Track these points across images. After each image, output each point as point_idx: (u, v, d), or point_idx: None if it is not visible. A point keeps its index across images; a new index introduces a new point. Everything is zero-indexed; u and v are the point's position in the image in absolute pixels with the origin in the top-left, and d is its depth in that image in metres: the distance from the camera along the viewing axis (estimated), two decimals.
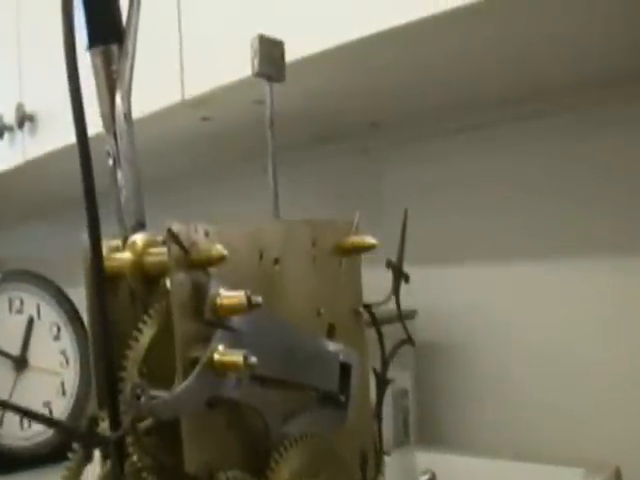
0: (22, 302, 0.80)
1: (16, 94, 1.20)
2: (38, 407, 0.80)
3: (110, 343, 0.40)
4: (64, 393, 0.82)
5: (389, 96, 0.96)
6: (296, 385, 0.48)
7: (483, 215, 1.02)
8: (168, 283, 0.43)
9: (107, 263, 0.44)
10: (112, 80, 0.46)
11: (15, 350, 0.80)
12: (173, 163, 1.28)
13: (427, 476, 0.95)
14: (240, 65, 0.82)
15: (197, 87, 0.89)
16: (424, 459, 0.97)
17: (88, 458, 0.44)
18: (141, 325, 0.43)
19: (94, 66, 0.47)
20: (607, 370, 0.89)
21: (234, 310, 0.42)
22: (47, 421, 0.38)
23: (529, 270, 0.97)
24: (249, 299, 0.41)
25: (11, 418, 0.78)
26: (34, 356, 0.81)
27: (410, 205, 1.09)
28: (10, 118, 1.20)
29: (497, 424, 0.99)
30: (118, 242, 0.48)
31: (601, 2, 0.67)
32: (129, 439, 0.41)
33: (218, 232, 0.43)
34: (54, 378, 0.81)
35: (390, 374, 0.54)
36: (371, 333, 0.55)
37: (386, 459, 0.55)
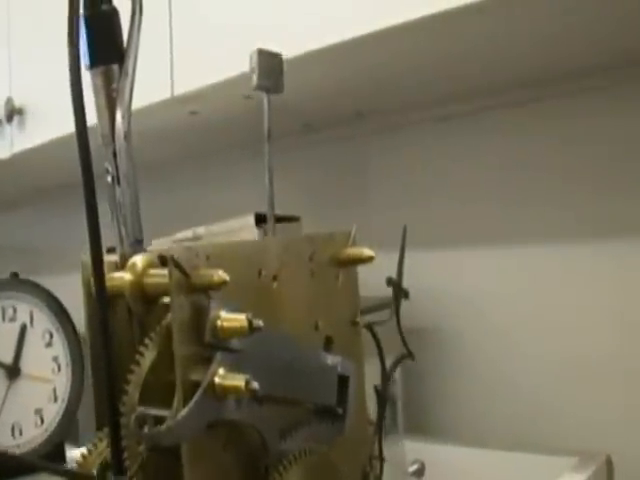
0: (15, 310, 0.79)
1: (5, 88, 1.19)
2: (30, 415, 0.80)
3: (113, 371, 0.40)
4: (55, 399, 0.82)
5: (376, 88, 0.96)
6: (295, 401, 0.48)
7: (468, 201, 1.02)
8: (167, 300, 0.43)
9: (107, 283, 0.44)
10: (112, 99, 0.46)
11: (7, 359, 0.79)
12: (161, 151, 1.27)
13: (416, 466, 0.95)
14: (230, 63, 0.83)
15: (186, 84, 0.89)
16: (413, 448, 0.97)
17: None
18: (142, 349, 0.43)
19: (94, 86, 0.46)
20: (597, 359, 0.89)
21: (235, 333, 0.42)
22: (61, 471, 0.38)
23: (518, 256, 0.97)
24: (250, 322, 0.41)
25: (2, 425, 0.78)
26: (26, 364, 0.80)
27: (395, 191, 1.09)
28: None
29: (487, 413, 1.00)
30: (115, 258, 0.48)
31: None
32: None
33: (219, 255, 0.43)
34: (46, 385, 0.81)
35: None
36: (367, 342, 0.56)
37: None
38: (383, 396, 0.52)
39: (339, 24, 0.74)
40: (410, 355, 0.52)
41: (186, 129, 1.12)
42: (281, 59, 0.53)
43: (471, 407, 1.02)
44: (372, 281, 0.57)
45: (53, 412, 0.82)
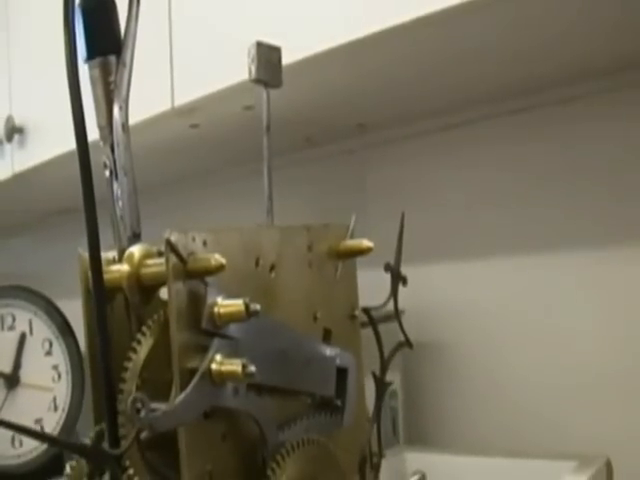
0: (14, 318, 0.79)
1: (6, 107, 1.20)
2: (30, 424, 0.79)
3: (110, 358, 0.40)
4: (55, 408, 0.81)
5: (377, 98, 0.96)
6: (293, 391, 0.48)
7: (467, 214, 1.02)
8: (164, 294, 0.43)
9: (104, 276, 0.45)
10: (109, 90, 0.46)
11: (6, 368, 0.79)
12: (161, 169, 1.27)
13: (417, 477, 0.95)
14: (230, 72, 0.84)
15: (187, 95, 0.89)
16: (413, 459, 0.96)
17: (96, 474, 0.44)
18: (139, 337, 0.43)
19: (92, 78, 0.47)
20: (596, 364, 0.89)
21: (232, 318, 0.42)
22: (55, 441, 0.38)
23: (515, 268, 0.97)
24: (247, 307, 0.41)
25: (2, 436, 0.77)
26: (26, 373, 0.80)
27: (394, 204, 1.09)
28: None
29: (486, 422, 0.99)
30: (114, 254, 0.48)
31: None
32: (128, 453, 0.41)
33: (216, 241, 0.43)
34: (46, 394, 0.80)
35: None
36: (365, 332, 0.55)
37: None
38: (381, 381, 0.52)
39: (337, 28, 0.74)
40: (408, 343, 0.52)
41: (186, 145, 1.13)
42: (280, 53, 0.54)
43: (471, 417, 1.01)
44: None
45: (53, 421, 0.81)
